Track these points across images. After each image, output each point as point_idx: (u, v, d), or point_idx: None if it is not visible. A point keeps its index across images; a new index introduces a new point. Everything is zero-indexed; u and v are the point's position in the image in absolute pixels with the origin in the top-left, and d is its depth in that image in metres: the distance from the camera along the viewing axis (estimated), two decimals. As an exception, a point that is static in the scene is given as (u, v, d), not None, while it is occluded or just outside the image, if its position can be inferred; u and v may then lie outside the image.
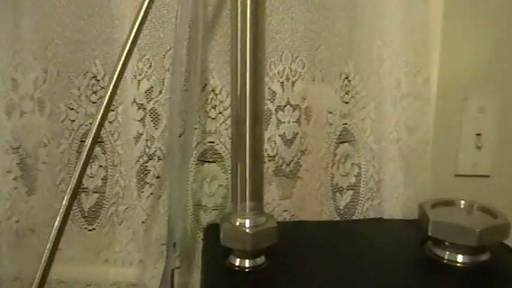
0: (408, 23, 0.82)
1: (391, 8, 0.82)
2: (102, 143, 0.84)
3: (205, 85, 0.82)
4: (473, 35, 0.88)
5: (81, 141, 0.85)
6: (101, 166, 0.85)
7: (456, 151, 0.91)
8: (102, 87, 0.83)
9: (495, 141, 0.91)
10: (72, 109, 0.84)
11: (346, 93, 0.84)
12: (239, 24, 0.67)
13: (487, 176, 0.92)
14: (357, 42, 0.84)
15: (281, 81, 0.81)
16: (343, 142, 0.86)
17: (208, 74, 0.81)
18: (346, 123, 0.85)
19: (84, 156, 0.57)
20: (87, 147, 0.57)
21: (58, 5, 0.82)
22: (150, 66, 0.81)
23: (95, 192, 0.86)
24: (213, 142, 0.83)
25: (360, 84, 0.84)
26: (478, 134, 0.91)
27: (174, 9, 0.78)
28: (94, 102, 0.83)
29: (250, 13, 0.69)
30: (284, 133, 0.83)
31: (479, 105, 0.90)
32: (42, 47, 0.83)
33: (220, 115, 0.82)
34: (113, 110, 0.82)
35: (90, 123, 0.79)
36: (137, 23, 0.60)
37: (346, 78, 0.84)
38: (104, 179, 0.85)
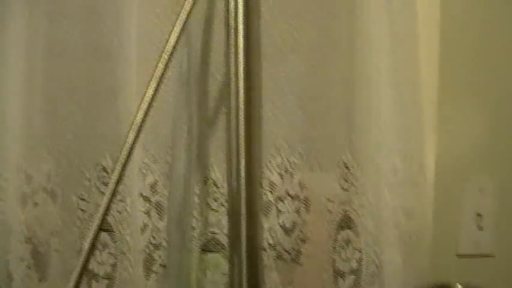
0: (404, 109, 0.86)
1: (387, 95, 0.85)
2: (113, 232, 0.87)
3: (207, 178, 0.85)
4: (470, 115, 0.90)
5: (91, 229, 0.88)
6: (110, 254, 0.88)
7: (457, 232, 0.92)
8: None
9: (496, 221, 0.92)
10: (83, 199, 0.88)
11: (345, 180, 0.87)
12: (234, 119, 0.70)
13: (490, 256, 0.93)
14: (354, 130, 0.86)
15: (280, 172, 0.84)
16: (344, 228, 0.88)
17: (210, 168, 0.85)
18: (345, 210, 0.87)
19: (88, 242, 0.61)
20: (92, 234, 0.60)
21: (69, 103, 0.86)
22: (155, 161, 0.84)
23: (104, 278, 0.89)
24: (215, 232, 0.86)
25: (359, 172, 0.87)
26: (478, 214, 0.92)
27: (174, 106, 0.82)
28: (104, 193, 0.87)
29: (244, 107, 0.73)
30: (284, 223, 0.86)
31: (479, 185, 0.91)
32: (55, 141, 0.87)
33: (221, 207, 0.85)
34: (122, 201, 0.86)
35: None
36: (139, 117, 0.63)
37: (345, 166, 0.87)
38: (114, 265, 0.89)
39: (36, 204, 0.89)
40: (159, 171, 0.85)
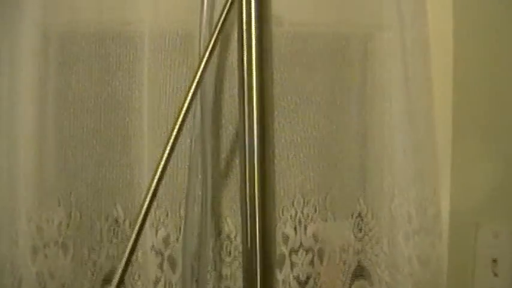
0: (417, 157, 0.85)
1: (401, 143, 0.84)
2: (123, 285, 0.87)
3: (221, 231, 0.84)
4: (483, 162, 0.89)
5: (103, 280, 0.88)
6: (122, 306, 0.87)
7: (473, 278, 0.91)
8: (123, 231, 0.86)
9: (512, 266, 0.91)
10: (94, 251, 0.87)
11: (359, 230, 0.86)
12: (248, 171, 0.71)
13: (507, 303, 0.92)
14: (368, 180, 0.86)
15: (294, 225, 0.84)
16: (358, 278, 0.87)
17: (223, 221, 0.84)
18: (360, 259, 0.87)
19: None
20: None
21: (81, 153, 0.86)
22: (167, 215, 0.84)
23: (117, 330, 0.88)
24: (229, 286, 0.85)
25: (373, 221, 0.86)
26: (494, 260, 0.92)
27: (186, 161, 0.81)
28: (115, 244, 0.87)
29: (257, 160, 0.73)
30: (298, 275, 0.85)
31: (494, 230, 0.90)
32: (66, 193, 0.87)
33: (235, 260, 0.84)
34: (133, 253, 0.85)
35: (112, 264, 0.82)
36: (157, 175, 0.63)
37: (359, 215, 0.86)
38: (126, 319, 0.88)
39: (47, 256, 0.88)
40: (171, 225, 0.84)
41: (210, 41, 0.70)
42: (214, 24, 0.81)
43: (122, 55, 0.86)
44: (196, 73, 0.69)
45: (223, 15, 0.70)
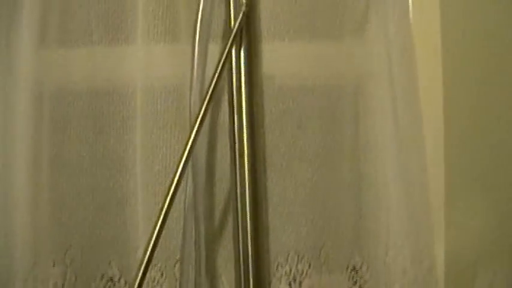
0: (411, 210, 0.85)
1: (394, 197, 0.85)
2: None
3: (216, 291, 0.85)
4: (477, 211, 0.89)
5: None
6: None
7: (469, 327, 0.91)
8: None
9: (508, 315, 0.91)
10: (90, 311, 0.87)
11: (354, 283, 0.86)
12: (241, 229, 0.74)
13: None
14: (362, 233, 0.86)
15: (288, 281, 0.84)
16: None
17: (218, 279, 0.84)
18: (355, 311, 0.87)
19: None
20: None
21: (75, 212, 0.86)
22: (162, 275, 0.84)
23: None
24: None
25: (368, 274, 0.86)
26: (490, 309, 0.92)
27: (180, 220, 0.81)
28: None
29: (250, 217, 0.73)
30: (294, 330, 0.85)
31: (489, 281, 0.90)
32: (61, 253, 0.87)
33: (231, 319, 0.84)
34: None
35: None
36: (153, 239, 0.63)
37: (354, 268, 0.86)
38: None
39: (42, 317, 0.88)
40: (166, 285, 0.84)
41: (202, 106, 0.70)
42: (205, 79, 0.82)
43: (114, 114, 0.87)
44: (189, 138, 0.70)
45: (214, 80, 0.70)
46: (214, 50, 0.85)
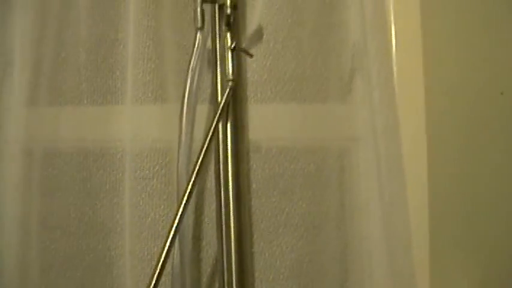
0: (396, 278, 0.86)
1: (378, 264, 0.86)
2: None
3: None
4: (463, 273, 0.90)
5: None
6: None
7: None
8: None
9: None
10: None
11: None
12: None
13: None
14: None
15: None
16: None
17: None
18: None
19: None
20: None
21: (62, 279, 0.88)
22: None
23: None
24: None
25: None
26: None
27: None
28: None
29: (236, 284, 0.74)
30: None
31: None
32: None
33: None
34: None
35: None
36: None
37: None
38: None
39: None
40: None
41: (189, 181, 0.72)
42: (194, 141, 0.83)
43: (103, 177, 0.88)
44: (177, 213, 0.71)
45: (202, 155, 0.72)
46: (202, 111, 0.87)
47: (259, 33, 0.85)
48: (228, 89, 0.74)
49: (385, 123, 0.88)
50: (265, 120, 0.88)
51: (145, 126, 0.88)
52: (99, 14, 0.90)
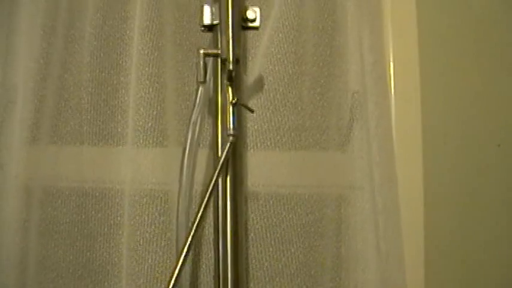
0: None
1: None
2: None
3: None
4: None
5: None
6: None
7: None
8: None
9: None
10: None
11: None
12: None
13: None
14: None
15: None
16: None
17: None
18: None
19: None
20: None
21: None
22: None
23: None
24: None
25: None
26: None
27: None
28: None
29: None
30: None
31: None
32: None
33: None
34: None
35: None
36: None
37: None
38: None
39: None
40: None
41: (190, 232, 0.72)
42: (193, 185, 0.84)
43: (102, 220, 0.89)
44: (176, 265, 0.71)
45: (201, 209, 0.72)
46: (203, 154, 0.87)
47: (260, 84, 0.86)
48: (228, 144, 0.75)
49: (383, 173, 0.89)
50: (264, 168, 0.89)
51: (145, 169, 0.89)
52: (102, 58, 0.91)
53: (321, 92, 0.89)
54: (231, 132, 0.75)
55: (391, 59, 0.94)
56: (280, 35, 0.88)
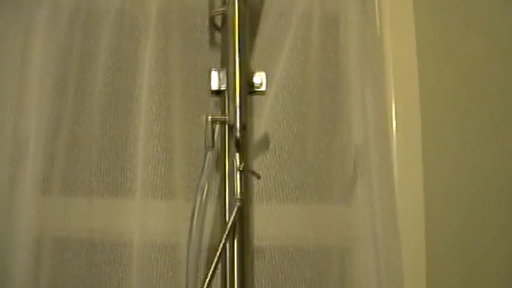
0: None
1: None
2: None
3: None
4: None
5: None
6: None
7: None
8: None
9: None
10: None
11: None
12: None
13: None
14: None
15: None
16: None
17: None
18: None
19: None
20: None
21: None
22: None
23: None
24: None
25: None
26: None
27: None
28: None
29: None
30: None
31: None
32: None
33: None
34: None
35: None
36: None
37: None
38: None
39: None
40: None
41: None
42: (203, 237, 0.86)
43: (111, 273, 0.91)
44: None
45: (211, 271, 0.74)
46: (211, 207, 0.90)
47: (265, 143, 0.89)
48: (235, 209, 0.77)
49: (386, 227, 0.91)
50: (270, 222, 0.91)
51: (154, 220, 0.91)
52: (111, 115, 0.93)
53: (325, 149, 0.91)
54: (238, 197, 0.77)
55: (393, 115, 0.95)
56: (285, 94, 0.91)
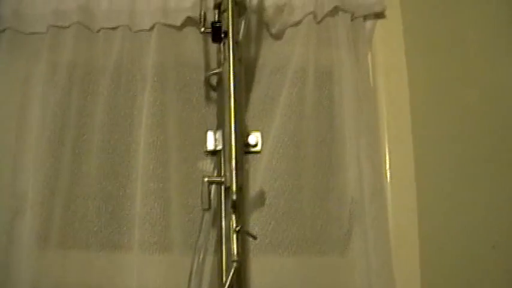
0: None
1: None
2: None
3: None
4: None
5: None
6: None
7: None
8: None
9: None
10: None
11: None
12: None
13: None
14: None
15: None
16: None
17: None
18: None
19: None
20: None
21: None
22: None
23: None
24: None
25: None
26: None
27: None
28: None
29: None
30: None
31: None
32: None
33: None
34: None
35: None
36: None
37: None
38: None
39: None
40: None
41: None
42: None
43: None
44: None
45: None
46: (208, 263, 0.90)
47: (261, 199, 0.90)
48: (232, 270, 0.78)
49: (381, 279, 0.93)
50: (266, 277, 0.92)
51: (151, 273, 0.92)
52: (108, 172, 0.94)
53: (321, 204, 0.92)
54: (235, 258, 0.78)
55: (387, 166, 0.97)
56: (281, 150, 0.92)
